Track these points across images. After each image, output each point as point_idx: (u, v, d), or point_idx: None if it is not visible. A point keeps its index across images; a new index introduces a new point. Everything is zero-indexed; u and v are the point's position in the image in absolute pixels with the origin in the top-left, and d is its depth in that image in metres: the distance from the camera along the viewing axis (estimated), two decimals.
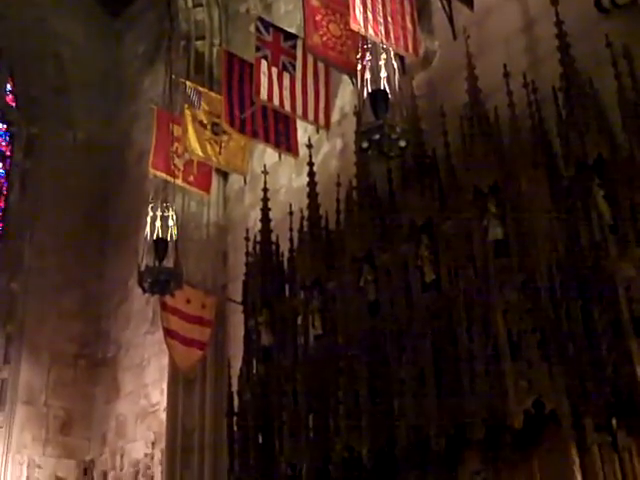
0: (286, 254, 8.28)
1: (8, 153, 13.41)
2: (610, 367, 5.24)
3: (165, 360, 10.15)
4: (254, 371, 7.94)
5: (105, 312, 12.60)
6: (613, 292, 5.34)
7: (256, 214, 9.18)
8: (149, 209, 8.16)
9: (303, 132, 8.90)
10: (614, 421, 5.34)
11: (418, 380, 6.22)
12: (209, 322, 9.21)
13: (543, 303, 5.66)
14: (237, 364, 8.22)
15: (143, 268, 7.81)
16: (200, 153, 9.18)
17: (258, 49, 8.12)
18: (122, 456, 11.09)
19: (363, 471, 6.59)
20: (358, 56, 6.18)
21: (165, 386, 10.22)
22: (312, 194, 8.08)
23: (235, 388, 8.09)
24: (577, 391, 5.38)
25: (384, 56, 6.03)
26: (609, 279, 5.40)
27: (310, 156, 8.34)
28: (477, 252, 6.18)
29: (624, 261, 5.42)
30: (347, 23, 6.81)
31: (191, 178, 9.69)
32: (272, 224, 8.66)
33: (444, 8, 7.68)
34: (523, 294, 5.79)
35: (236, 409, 7.98)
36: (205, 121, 9.34)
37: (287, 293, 8.11)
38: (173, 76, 9.63)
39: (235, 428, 7.90)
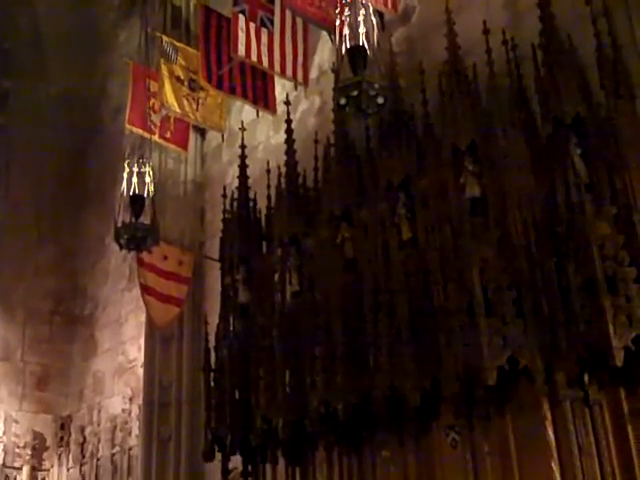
0: (263, 211, 8.26)
1: None
2: (583, 324, 5.29)
3: (142, 317, 10.17)
4: (231, 327, 7.96)
5: (81, 269, 12.58)
6: (588, 250, 5.38)
7: (234, 171, 9.14)
8: (125, 165, 8.08)
9: (281, 89, 8.84)
10: (586, 377, 5.42)
11: (394, 336, 6.26)
12: (186, 279, 9.23)
13: (519, 261, 5.69)
14: (214, 321, 8.23)
15: (119, 224, 7.73)
16: (177, 109, 9.09)
17: (236, 3, 8.01)
18: (99, 411, 11.16)
19: (339, 426, 6.67)
20: (337, 12, 6.10)
21: (142, 342, 10.26)
22: (290, 151, 8.03)
23: (212, 344, 8.11)
24: (550, 347, 5.44)
25: (363, 12, 5.95)
26: (584, 237, 5.43)
27: (288, 113, 8.28)
28: (454, 210, 6.19)
29: (599, 220, 5.45)
30: None
31: (168, 134, 9.62)
32: (250, 181, 8.62)
33: None
34: (499, 252, 5.83)
35: (213, 365, 8.00)
36: (182, 77, 9.24)
37: (264, 250, 8.11)
38: (149, 30, 9.47)
39: (212, 384, 7.93)
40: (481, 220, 6.02)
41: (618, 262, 5.30)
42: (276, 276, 7.65)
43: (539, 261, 5.64)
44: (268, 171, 8.27)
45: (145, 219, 7.85)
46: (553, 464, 5.37)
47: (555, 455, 5.40)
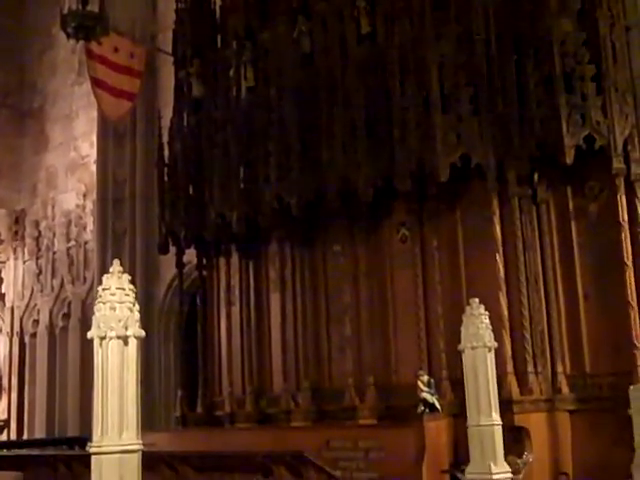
0: (218, 2, 7.92)
1: None
2: (537, 122, 5.31)
3: (94, 112, 9.98)
4: (185, 122, 7.82)
5: (28, 61, 12.14)
6: (548, 47, 5.30)
7: None
8: None
9: None
10: (536, 175, 5.52)
11: (349, 132, 6.24)
12: (138, 72, 8.95)
13: (478, 57, 5.59)
14: (168, 115, 8.07)
15: (66, 11, 7.38)
16: None
17: None
18: (53, 206, 11.17)
19: (292, 221, 6.76)
20: None
21: (95, 138, 10.12)
22: None
23: (165, 139, 8.00)
24: (504, 145, 5.47)
25: None
26: (546, 34, 5.33)
27: None
28: (414, 3, 6.00)
29: (563, 16, 5.34)
30: None
31: None
32: None
33: None
34: (458, 47, 5.71)
35: (167, 160, 7.94)
36: None
37: (219, 43, 7.84)
38: None
39: (166, 178, 7.91)
40: (442, 14, 5.85)
41: (577, 60, 5.25)
42: (231, 71, 7.46)
43: (498, 58, 5.55)
44: None
45: (93, 7, 7.49)
46: (498, 258, 5.55)
47: (501, 249, 5.57)
